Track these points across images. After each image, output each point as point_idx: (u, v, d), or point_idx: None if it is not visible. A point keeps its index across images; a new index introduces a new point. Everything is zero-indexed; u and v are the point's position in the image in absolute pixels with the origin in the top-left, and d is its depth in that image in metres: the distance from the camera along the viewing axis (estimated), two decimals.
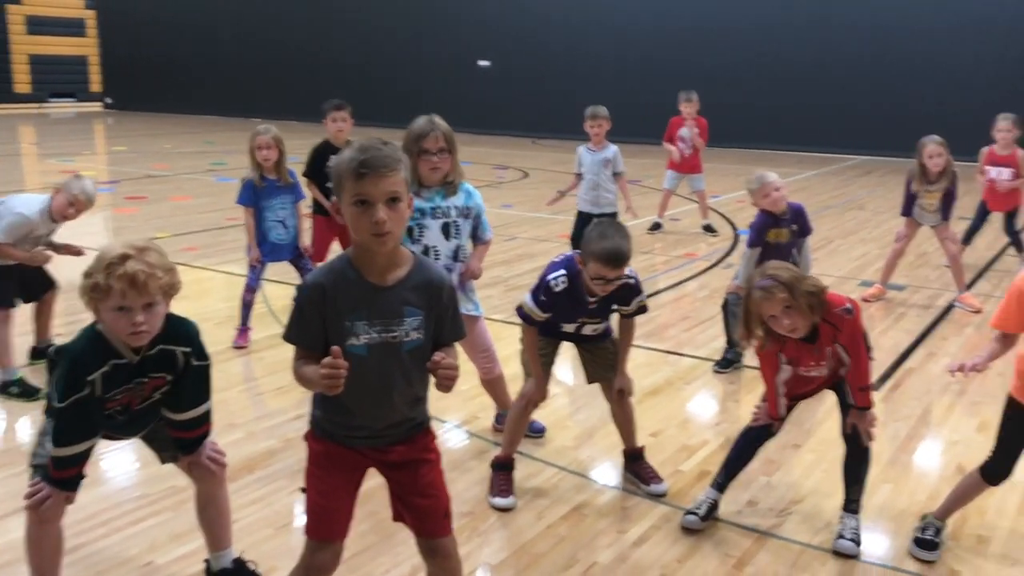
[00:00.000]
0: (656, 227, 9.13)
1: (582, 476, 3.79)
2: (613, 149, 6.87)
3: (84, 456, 2.55)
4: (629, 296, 3.55)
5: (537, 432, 4.11)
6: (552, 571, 3.06)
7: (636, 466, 3.73)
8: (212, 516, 2.85)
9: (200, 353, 2.66)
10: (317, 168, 6.00)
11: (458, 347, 2.52)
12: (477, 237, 3.92)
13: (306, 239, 5.70)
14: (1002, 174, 7.27)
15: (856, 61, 16.34)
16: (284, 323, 5.92)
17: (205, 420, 2.73)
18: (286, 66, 23.05)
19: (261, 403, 4.57)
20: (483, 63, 20.50)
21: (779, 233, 4.90)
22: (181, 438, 2.73)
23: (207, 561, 2.92)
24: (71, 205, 4.61)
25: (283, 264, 5.70)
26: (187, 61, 24.89)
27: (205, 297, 6.48)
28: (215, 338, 5.18)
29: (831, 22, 16.57)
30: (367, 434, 2.34)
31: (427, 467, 2.41)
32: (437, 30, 20.94)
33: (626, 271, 3.43)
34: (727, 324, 5.09)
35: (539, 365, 3.60)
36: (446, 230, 3.75)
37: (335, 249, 6.04)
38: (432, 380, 2.26)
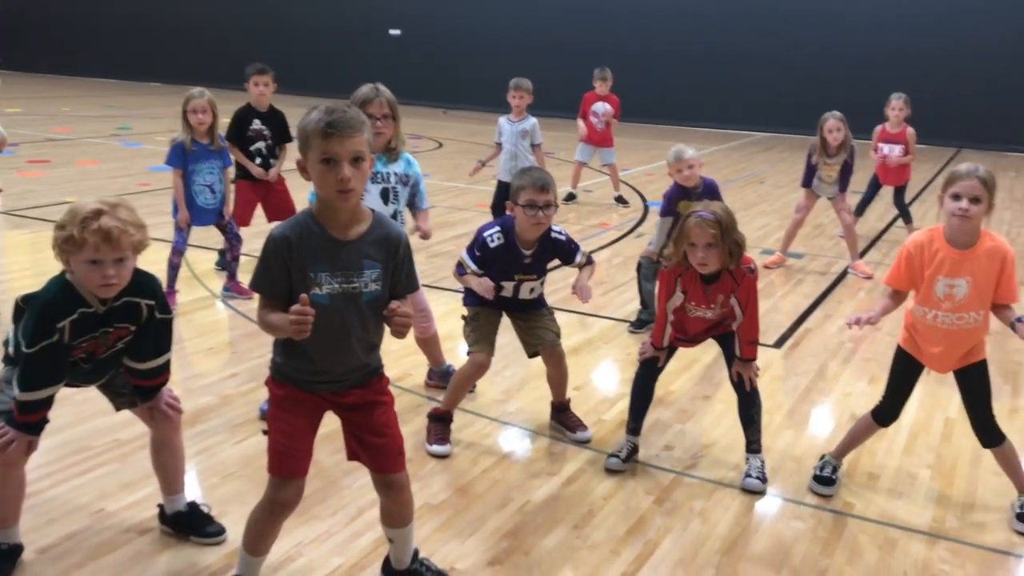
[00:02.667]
0: (570, 197, 9.41)
1: (512, 426, 4.03)
2: (532, 121, 7.09)
3: (49, 401, 2.64)
4: (569, 253, 3.84)
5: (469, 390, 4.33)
6: (489, 509, 3.29)
7: (562, 416, 3.98)
8: (166, 460, 2.98)
9: (163, 307, 2.77)
10: (240, 132, 6.01)
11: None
12: (415, 206, 4.07)
13: (231, 204, 5.72)
14: (893, 151, 7.81)
15: (760, 44, 16.94)
16: (208, 287, 5.96)
17: (164, 369, 2.85)
18: (189, 29, 22.41)
19: (195, 363, 4.64)
20: (394, 32, 20.38)
21: (689, 205, 5.19)
22: (141, 386, 2.84)
23: (160, 506, 3.04)
24: None
25: (205, 229, 5.73)
26: (83, 22, 23.91)
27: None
28: None
29: (737, 6, 17.12)
30: (327, 379, 2.51)
31: (382, 408, 2.59)
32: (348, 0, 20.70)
33: (554, 229, 3.72)
34: (640, 287, 5.40)
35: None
36: (385, 195, 3.90)
37: (258, 213, 6.13)
38: (388, 328, 2.45)
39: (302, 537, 2.98)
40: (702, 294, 3.49)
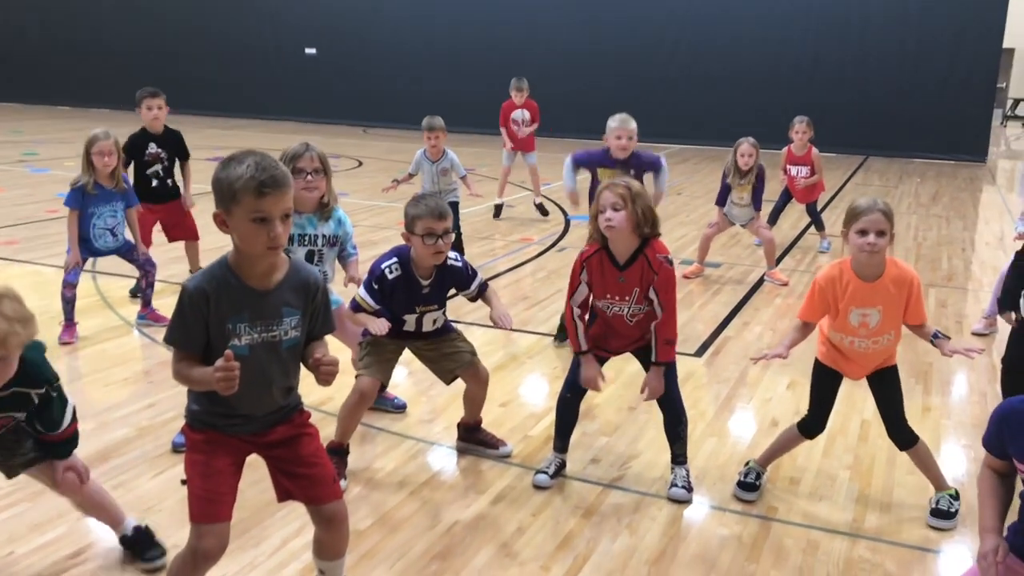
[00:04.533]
0: (498, 210, 9.48)
1: (439, 446, 4.00)
2: (450, 157, 7.06)
3: None
4: (465, 280, 3.74)
5: (398, 408, 4.30)
6: (417, 532, 3.26)
7: (479, 435, 3.95)
8: (94, 511, 2.95)
9: (53, 382, 2.66)
10: (135, 157, 5.91)
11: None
12: (343, 257, 4.02)
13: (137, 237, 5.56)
14: (800, 172, 8.09)
15: (674, 57, 17.29)
16: (122, 315, 5.79)
17: (72, 422, 2.77)
18: (98, 50, 21.82)
19: (109, 393, 4.49)
20: (310, 51, 20.20)
21: (609, 173, 5.20)
22: (49, 442, 2.74)
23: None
24: None
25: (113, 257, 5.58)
26: None
27: (33, 292, 6.21)
28: (51, 334, 5.03)
29: (650, 20, 17.45)
30: (246, 422, 2.46)
31: (307, 439, 2.55)
32: (261, 18, 20.44)
33: (450, 257, 3.64)
34: None
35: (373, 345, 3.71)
36: (310, 256, 3.83)
37: (157, 230, 6.06)
38: (310, 375, 2.43)
39: (226, 569, 2.90)
40: (615, 283, 3.47)
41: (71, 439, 2.79)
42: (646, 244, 3.47)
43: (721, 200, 7.18)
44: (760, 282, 7.07)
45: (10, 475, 2.83)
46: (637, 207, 3.38)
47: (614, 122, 5.24)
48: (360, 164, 13.49)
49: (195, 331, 2.34)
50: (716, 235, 7.34)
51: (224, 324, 2.33)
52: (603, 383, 3.63)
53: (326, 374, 2.37)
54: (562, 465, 3.72)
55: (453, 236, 3.61)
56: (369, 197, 10.34)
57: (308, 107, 19.61)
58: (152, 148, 5.96)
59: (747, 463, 3.70)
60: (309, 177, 3.74)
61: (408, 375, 4.67)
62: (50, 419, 2.70)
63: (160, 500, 3.36)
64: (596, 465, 3.84)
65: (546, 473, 3.64)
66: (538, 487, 3.60)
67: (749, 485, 3.59)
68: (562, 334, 5.39)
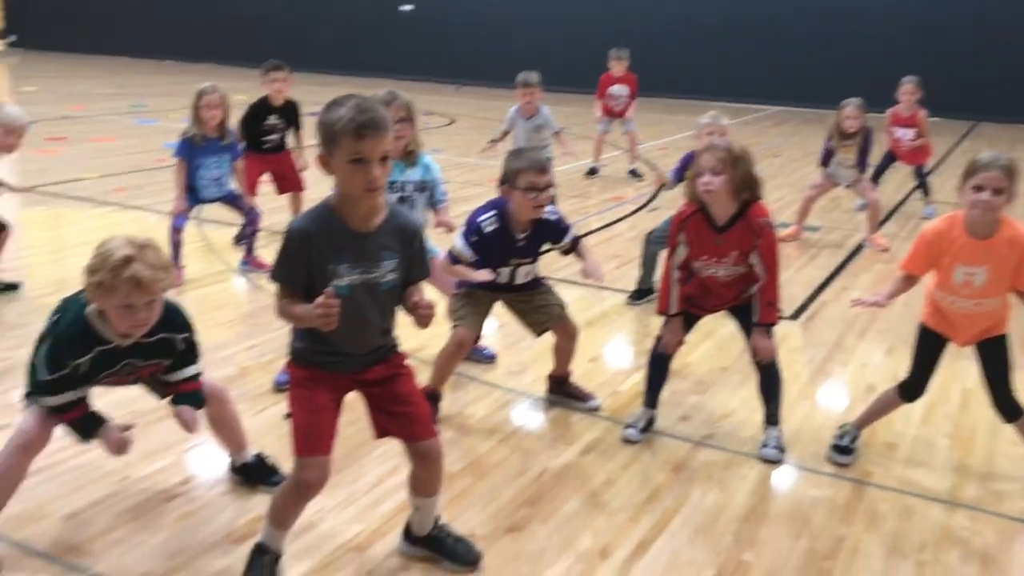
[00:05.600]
0: (593, 172, 9.41)
1: (528, 397, 4.04)
2: (544, 113, 7.02)
3: (76, 403, 2.69)
4: (559, 233, 3.77)
5: (489, 359, 4.35)
6: (506, 478, 3.31)
7: (567, 388, 3.97)
8: (227, 430, 3.12)
9: (192, 330, 2.83)
10: (254, 126, 6.09)
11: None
12: (434, 204, 4.08)
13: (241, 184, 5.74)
14: (906, 135, 7.79)
15: (774, 18, 16.77)
16: (226, 260, 6.00)
17: (196, 379, 2.90)
18: (201, 8, 22.36)
19: (214, 334, 4.66)
20: (405, 8, 20.27)
21: None
22: (186, 391, 2.88)
23: (231, 461, 3.19)
24: (9, 134, 4.60)
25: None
26: (97, 0, 23.90)
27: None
28: None
29: None
30: (347, 360, 2.53)
31: (403, 379, 2.62)
32: None
33: (546, 209, 3.64)
34: (644, 254, 5.40)
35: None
36: (400, 204, 3.89)
37: (263, 180, 6.23)
38: (411, 318, 2.50)
39: (323, 504, 3.01)
40: (712, 245, 3.42)
41: (198, 393, 2.91)
42: (747, 207, 3.41)
43: (824, 161, 6.97)
44: (860, 247, 6.88)
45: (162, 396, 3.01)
46: (737, 172, 3.32)
47: (705, 119, 5.28)
48: (452, 121, 13.55)
49: (298, 270, 2.41)
50: (818, 197, 7.13)
51: (326, 264, 2.39)
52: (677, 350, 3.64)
53: (424, 317, 2.44)
54: (651, 421, 3.72)
55: (554, 190, 3.62)
56: (461, 154, 10.40)
57: (402, 64, 19.71)
58: (271, 119, 6.15)
59: (842, 426, 3.63)
60: (396, 126, 3.79)
61: (497, 327, 4.72)
62: (181, 362, 2.83)
63: (262, 436, 3.48)
64: (686, 422, 3.83)
65: (635, 428, 3.65)
66: (627, 441, 3.62)
67: (844, 448, 3.53)
68: (637, 293, 5.37)
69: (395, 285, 2.49)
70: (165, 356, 2.79)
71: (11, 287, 5.12)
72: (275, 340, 4.53)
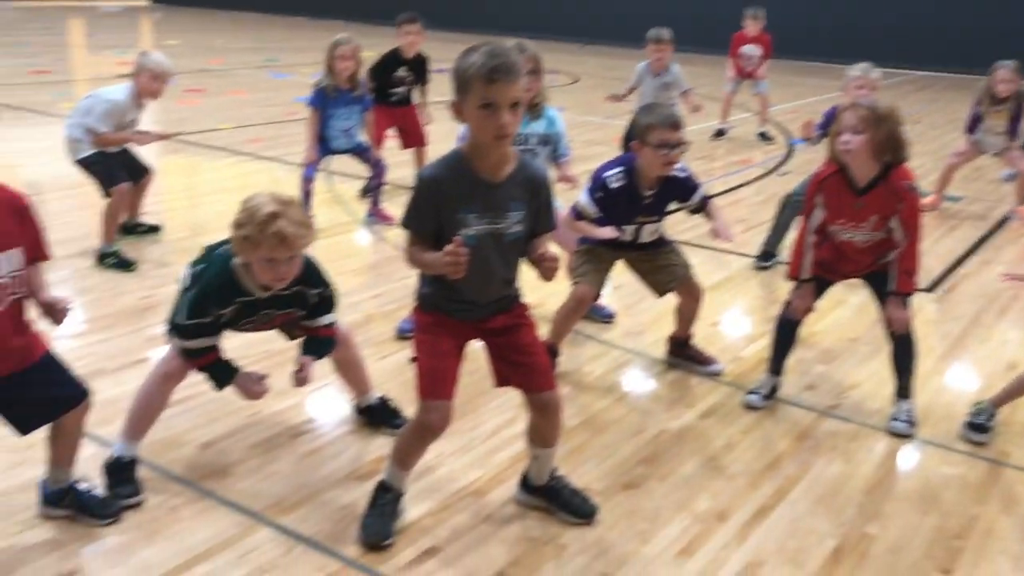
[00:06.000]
0: (720, 133, 9.19)
1: (646, 357, 4.01)
2: (674, 71, 6.87)
3: (209, 349, 2.81)
4: (688, 192, 3.70)
5: (607, 318, 4.33)
6: (624, 436, 3.30)
7: (688, 351, 3.91)
8: (352, 372, 3.22)
9: (327, 286, 2.91)
10: (384, 76, 6.17)
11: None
12: (557, 157, 4.06)
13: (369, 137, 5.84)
14: None
15: None
16: (352, 212, 6.13)
17: (331, 327, 3.00)
18: None
19: (339, 282, 4.74)
20: None
21: None
22: (316, 337, 2.98)
23: (355, 403, 3.30)
24: (155, 79, 4.80)
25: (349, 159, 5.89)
26: None
27: (274, 186, 6.68)
28: None
29: None
30: (470, 308, 2.56)
31: (525, 330, 2.63)
32: None
33: (676, 167, 3.57)
34: (777, 218, 5.23)
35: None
36: None
37: (389, 135, 6.30)
38: (535, 271, 2.50)
39: (442, 449, 3.06)
40: (851, 209, 3.27)
41: (331, 340, 3.00)
42: (889, 170, 3.25)
43: (970, 128, 6.58)
44: (1005, 220, 6.49)
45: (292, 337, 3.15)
46: (879, 132, 3.15)
47: (855, 71, 5.06)
48: (577, 80, 13.43)
49: (428, 217, 2.44)
50: (960, 165, 6.75)
51: (455, 213, 2.41)
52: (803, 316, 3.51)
53: (548, 270, 2.42)
54: (775, 388, 3.63)
55: (686, 147, 3.55)
56: (584, 113, 10.31)
57: (527, 21, 19.62)
58: (401, 72, 6.23)
59: (977, 403, 3.46)
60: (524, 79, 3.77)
61: (617, 287, 4.68)
62: (320, 316, 2.94)
63: (385, 381, 3.56)
64: (812, 392, 3.72)
65: (758, 394, 3.57)
66: (749, 407, 3.54)
67: (979, 426, 3.36)
68: (764, 256, 5.23)
69: (521, 236, 2.49)
70: (299, 307, 2.89)
71: (153, 229, 5.38)
72: (398, 290, 4.63)
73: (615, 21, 18.37)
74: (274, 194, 2.67)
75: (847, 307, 4.55)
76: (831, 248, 3.43)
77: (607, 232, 3.55)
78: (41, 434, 2.54)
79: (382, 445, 3.13)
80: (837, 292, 3.86)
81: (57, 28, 18.90)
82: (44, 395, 2.43)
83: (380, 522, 2.61)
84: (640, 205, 3.65)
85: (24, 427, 2.46)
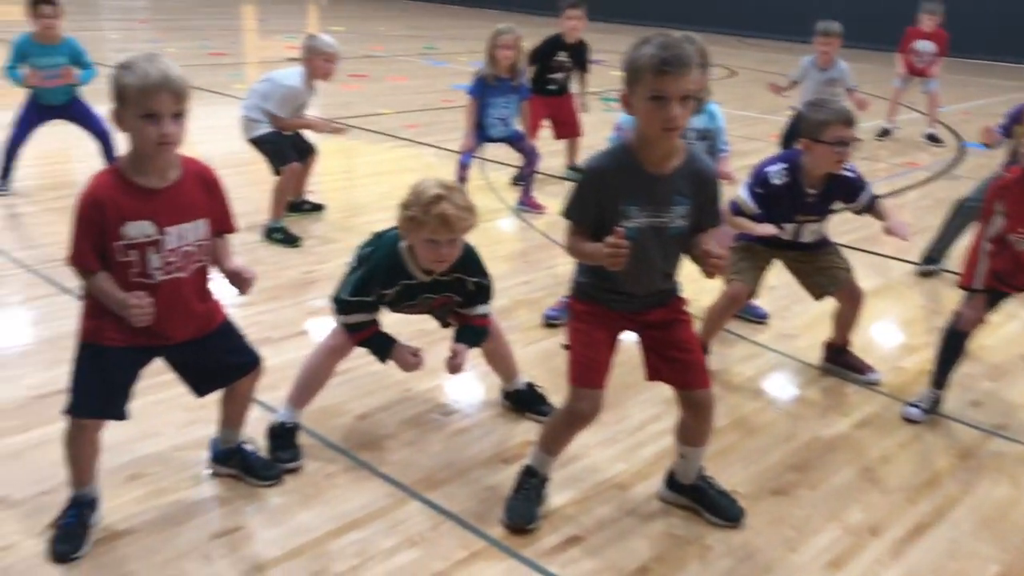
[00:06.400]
0: (885, 133, 8.79)
1: (800, 362, 3.89)
2: (842, 67, 6.62)
3: (367, 323, 2.93)
4: (854, 191, 3.56)
5: (760, 318, 4.23)
6: (774, 440, 3.22)
7: (845, 358, 3.76)
8: (500, 360, 3.28)
9: (485, 276, 2.98)
10: (544, 60, 6.22)
11: None
12: (718, 150, 4.01)
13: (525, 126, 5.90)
14: None
15: None
16: (503, 199, 6.21)
17: (485, 317, 3.06)
18: None
19: (489, 268, 4.88)
20: None
21: None
22: (470, 325, 3.05)
23: (502, 388, 3.36)
24: (327, 60, 5.00)
25: (501, 145, 5.96)
26: None
27: (429, 171, 6.87)
28: None
29: None
30: (627, 300, 2.55)
31: (682, 325, 2.60)
32: None
33: (844, 165, 3.45)
34: (947, 224, 4.97)
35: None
36: None
37: (546, 124, 6.36)
38: (698, 267, 2.47)
39: (587, 440, 3.07)
40: None
41: (485, 330, 3.07)
42: None
43: None
44: None
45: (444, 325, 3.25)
46: None
47: None
48: (734, 74, 13.13)
49: (590, 208, 2.44)
50: None
51: (617, 204, 2.40)
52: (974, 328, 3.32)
53: (713, 266, 2.38)
54: (937, 402, 3.45)
55: (858, 145, 3.42)
56: (741, 107, 10.07)
57: (684, 13, 19.31)
58: (560, 56, 6.28)
59: None
60: None
61: (771, 287, 4.55)
62: (476, 306, 3.01)
63: (531, 367, 3.60)
64: (977, 408, 3.53)
65: (919, 407, 3.41)
66: (908, 420, 3.39)
67: None
68: (926, 262, 4.97)
69: (683, 231, 2.46)
70: (456, 293, 2.97)
71: (317, 207, 5.62)
72: (545, 278, 4.68)
73: (774, 14, 17.83)
74: (440, 180, 2.76)
75: (1020, 321, 4.28)
76: (1009, 258, 3.24)
77: (767, 229, 3.46)
78: (213, 396, 2.71)
79: (527, 430, 3.18)
80: (1011, 305, 3.64)
81: (232, 13, 19.95)
82: (221, 361, 2.59)
83: (525, 506, 2.65)
84: (802, 203, 3.54)
85: (201, 390, 2.63)
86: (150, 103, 2.22)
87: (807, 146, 3.43)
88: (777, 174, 3.50)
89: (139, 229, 2.31)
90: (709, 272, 2.42)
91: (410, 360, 2.96)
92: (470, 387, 3.51)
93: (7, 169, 5.63)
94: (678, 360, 2.57)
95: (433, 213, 2.66)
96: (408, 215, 2.72)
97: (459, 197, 2.72)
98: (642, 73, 2.26)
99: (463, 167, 5.61)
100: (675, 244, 2.49)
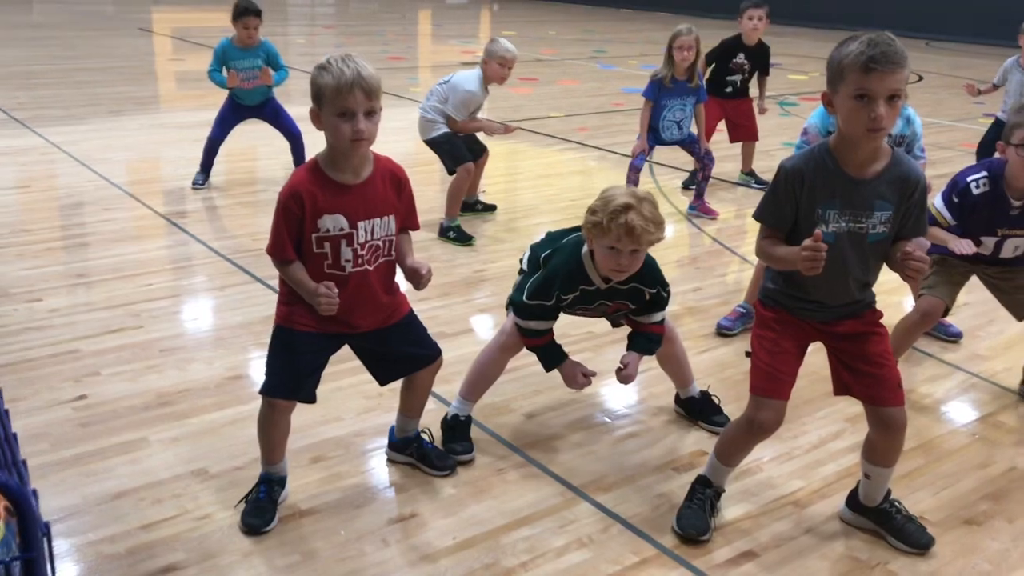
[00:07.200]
0: None
1: (997, 385, 3.63)
2: None
3: (543, 332, 2.92)
4: None
5: (953, 336, 3.99)
6: (966, 467, 3.02)
7: None
8: (670, 368, 3.22)
9: (663, 286, 2.91)
10: (723, 61, 6.11)
11: None
12: (915, 156, 3.80)
13: (702, 134, 5.78)
14: None
15: None
16: (674, 203, 6.11)
17: (660, 324, 3.00)
18: None
19: None
20: None
21: None
22: (645, 332, 2.99)
23: (677, 392, 3.31)
24: (503, 65, 5.08)
25: (673, 149, 5.87)
26: None
27: (598, 174, 6.87)
28: None
29: None
30: (818, 309, 2.45)
31: (876, 338, 2.47)
32: None
33: None
34: None
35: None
36: None
37: (720, 127, 6.24)
38: (898, 271, 2.32)
39: (761, 454, 2.98)
40: None
41: (658, 337, 3.01)
42: None
43: None
44: None
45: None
46: None
47: None
48: (920, 79, 12.44)
49: (785, 210, 2.36)
50: None
51: (814, 207, 2.31)
52: None
53: (915, 269, 2.24)
54: None
55: None
56: (929, 114, 9.52)
57: (862, 17, 18.48)
58: (739, 58, 6.15)
59: None
60: None
61: (964, 304, 4.28)
62: (652, 313, 2.95)
63: (702, 376, 3.51)
64: None
65: None
66: None
67: None
68: None
69: (884, 237, 2.34)
70: (632, 301, 2.93)
71: (489, 208, 5.72)
72: (716, 285, 4.58)
73: (964, 14, 16.77)
74: (633, 189, 2.74)
75: None
76: None
77: (965, 247, 3.24)
78: (393, 385, 2.80)
79: (699, 440, 3.11)
80: None
81: (410, 17, 20.66)
82: (405, 351, 2.67)
83: (698, 516, 2.59)
84: (1005, 216, 3.30)
85: (384, 378, 2.73)
86: (344, 101, 2.31)
87: (1002, 150, 3.21)
88: (977, 183, 3.29)
89: (334, 222, 2.42)
90: (908, 275, 2.28)
91: (579, 380, 2.94)
92: (640, 393, 3.47)
93: (207, 165, 6.03)
94: (870, 375, 2.45)
95: (619, 221, 2.61)
96: (594, 220, 2.68)
97: (648, 209, 2.65)
98: (847, 71, 2.17)
99: (635, 170, 5.57)
100: (874, 252, 2.37)
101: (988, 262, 3.43)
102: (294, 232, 2.43)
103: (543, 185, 6.61)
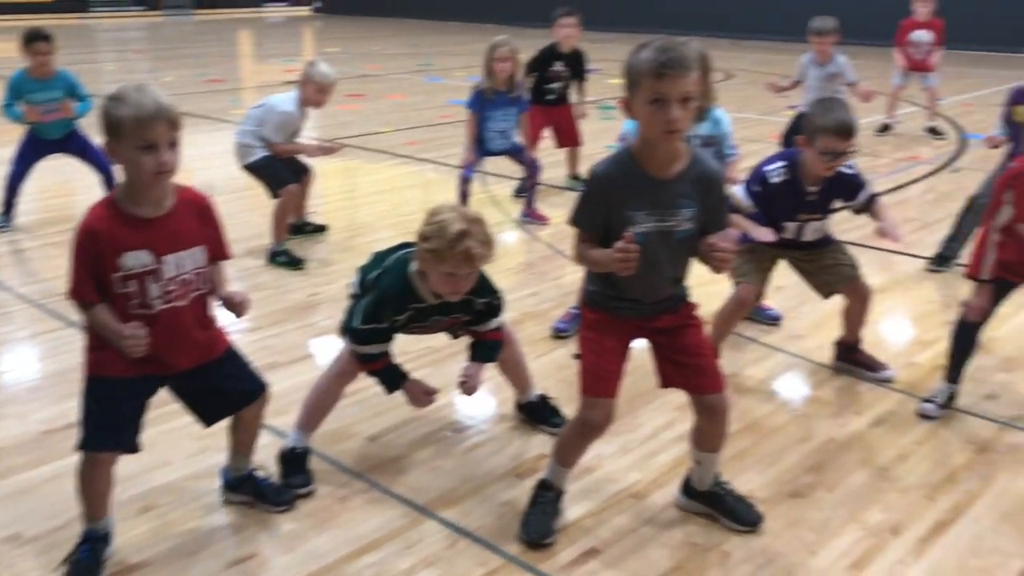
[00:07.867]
0: (885, 128, 8.76)
1: (811, 362, 3.86)
2: (840, 61, 6.61)
3: (380, 355, 2.89)
4: (854, 190, 3.54)
5: (772, 320, 4.21)
6: (789, 443, 3.19)
7: (857, 356, 3.73)
8: (514, 370, 3.25)
9: (495, 295, 2.94)
10: (540, 70, 6.24)
11: None
12: (724, 155, 3.98)
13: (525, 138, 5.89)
14: None
15: None
16: (506, 212, 6.19)
17: (498, 330, 3.02)
18: None
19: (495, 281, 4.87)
20: None
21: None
22: (483, 340, 3.01)
23: (517, 398, 3.33)
24: (320, 91, 5.00)
25: (501, 158, 5.94)
26: None
27: (430, 187, 6.88)
28: None
29: None
30: (636, 307, 2.53)
31: (692, 330, 2.58)
32: None
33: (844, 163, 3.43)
34: (960, 222, 4.94)
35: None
36: None
37: (546, 135, 6.38)
38: (706, 264, 2.44)
39: (601, 450, 3.05)
40: None
41: (498, 344, 3.03)
42: None
43: None
44: None
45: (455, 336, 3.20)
46: None
47: None
48: (730, 76, 13.13)
49: (597, 214, 2.43)
50: None
51: (624, 210, 2.39)
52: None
53: (720, 260, 2.35)
54: (952, 397, 3.42)
55: (854, 153, 3.40)
56: (739, 109, 10.04)
57: (676, 17, 19.36)
58: (557, 66, 6.29)
59: None
60: None
61: (778, 288, 4.53)
62: (488, 321, 2.97)
63: (542, 380, 3.56)
64: (993, 401, 3.50)
65: (934, 402, 3.38)
66: (924, 416, 3.36)
67: None
68: (939, 259, 4.94)
69: (691, 234, 2.44)
70: (465, 313, 2.93)
71: (320, 228, 5.62)
72: (552, 289, 4.66)
73: (768, 15, 17.84)
74: (460, 209, 2.74)
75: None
76: (1017, 248, 3.21)
77: (766, 235, 3.43)
78: (221, 423, 2.69)
79: (542, 443, 3.15)
80: (1021, 296, 3.60)
81: (228, 38, 20.06)
82: (226, 388, 2.57)
83: (541, 520, 2.63)
84: (802, 202, 3.52)
85: (209, 419, 2.62)
86: (148, 134, 2.21)
87: (803, 144, 3.42)
88: (775, 172, 3.49)
89: (136, 259, 2.31)
90: (715, 267, 2.39)
91: (422, 399, 2.93)
92: (482, 402, 3.48)
93: (9, 205, 5.64)
94: (690, 365, 2.55)
95: (458, 250, 2.60)
96: (429, 248, 2.64)
97: (481, 232, 2.67)
98: (642, 77, 2.25)
99: (465, 181, 5.60)
100: (683, 248, 2.47)
101: (793, 246, 3.64)
102: (94, 272, 2.30)
103: (377, 201, 6.56)
